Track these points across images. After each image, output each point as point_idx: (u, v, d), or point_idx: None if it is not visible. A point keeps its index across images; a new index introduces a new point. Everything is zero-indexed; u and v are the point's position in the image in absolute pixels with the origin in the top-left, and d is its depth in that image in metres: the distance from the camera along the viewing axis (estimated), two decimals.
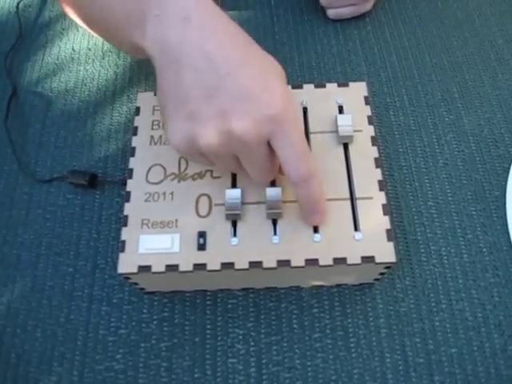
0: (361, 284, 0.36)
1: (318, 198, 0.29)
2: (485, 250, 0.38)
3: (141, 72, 0.47)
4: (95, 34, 0.40)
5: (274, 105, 0.26)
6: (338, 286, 0.37)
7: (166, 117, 0.28)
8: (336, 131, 0.34)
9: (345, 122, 0.34)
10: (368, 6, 0.48)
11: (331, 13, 0.48)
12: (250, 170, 0.29)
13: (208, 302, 0.37)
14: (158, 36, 0.28)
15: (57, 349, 0.35)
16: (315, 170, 0.28)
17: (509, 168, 0.41)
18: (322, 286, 0.37)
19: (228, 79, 0.26)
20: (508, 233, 0.38)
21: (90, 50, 0.49)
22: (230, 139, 0.26)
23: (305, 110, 0.35)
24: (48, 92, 0.46)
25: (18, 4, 0.52)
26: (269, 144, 0.28)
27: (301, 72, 0.46)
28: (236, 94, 0.26)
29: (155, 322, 0.36)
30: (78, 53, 0.49)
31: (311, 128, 0.35)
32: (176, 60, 0.27)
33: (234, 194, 0.31)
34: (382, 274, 0.34)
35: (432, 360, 0.34)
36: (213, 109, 0.26)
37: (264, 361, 0.34)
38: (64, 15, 0.51)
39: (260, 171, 0.29)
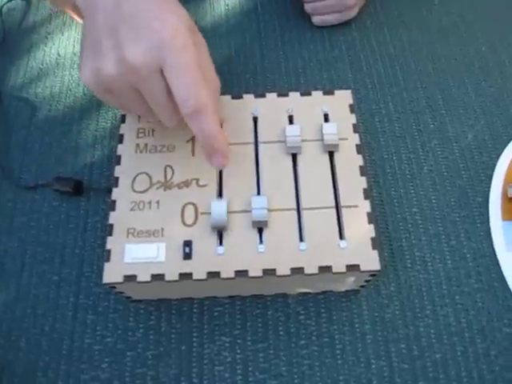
0: (347, 291, 0.37)
1: (213, 133, 0.30)
2: (468, 255, 0.38)
3: None
4: None
5: (162, 31, 0.27)
6: (324, 292, 0.37)
7: (80, 58, 0.30)
8: (322, 139, 0.34)
9: (330, 131, 0.34)
10: (352, 13, 0.48)
11: (316, 19, 0.49)
12: (152, 105, 0.30)
13: (194, 310, 0.36)
14: None
15: (41, 359, 0.35)
16: (208, 103, 0.29)
17: (491, 175, 0.41)
18: (308, 293, 0.37)
19: (128, 13, 0.28)
20: (491, 239, 0.39)
21: (75, 54, 0.48)
22: (125, 68, 0.28)
23: (290, 118, 0.36)
24: (33, 97, 0.46)
25: (1, 7, 0.51)
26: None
27: (287, 78, 0.47)
28: (132, 25, 0.28)
29: (141, 331, 0.36)
30: (63, 57, 0.48)
31: None
32: (93, 4, 0.30)
33: (219, 208, 0.31)
34: (367, 281, 0.34)
35: (417, 365, 0.35)
36: (112, 40, 0.28)
37: (250, 368, 0.34)
38: (49, 19, 0.51)
39: (161, 107, 0.30)
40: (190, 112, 0.29)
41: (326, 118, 0.36)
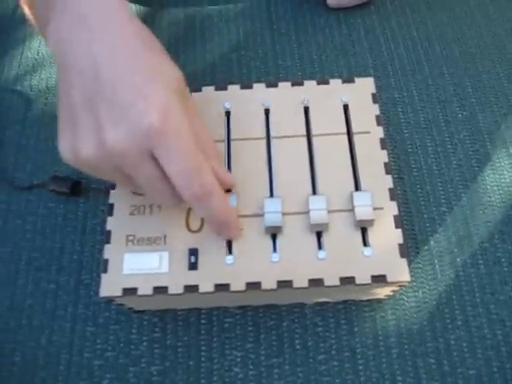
0: (369, 300, 0.33)
1: (222, 216, 0.26)
2: (503, 259, 0.35)
3: None
4: None
5: (149, 114, 0.23)
6: (345, 302, 0.34)
7: (58, 127, 0.26)
8: (342, 133, 0.31)
9: (363, 202, 0.28)
10: None
11: (331, 1, 0.45)
12: (145, 189, 0.26)
13: (203, 321, 0.33)
14: (55, 35, 0.26)
15: (37, 374, 0.32)
16: (212, 186, 0.25)
17: None
18: (327, 303, 0.33)
19: (108, 85, 0.24)
20: None
21: None
22: (106, 152, 0.24)
23: (306, 110, 0.32)
24: (28, 90, 0.43)
25: None
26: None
27: (301, 65, 0.43)
28: (113, 102, 0.24)
29: (145, 344, 0.33)
30: None
31: (313, 130, 0.31)
32: (65, 61, 0.25)
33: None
34: (393, 290, 0.30)
35: (448, 383, 0.31)
36: (90, 118, 0.24)
37: None
38: None
39: (157, 192, 0.26)
40: (193, 200, 0.25)
41: (346, 109, 0.32)
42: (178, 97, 0.25)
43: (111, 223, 0.29)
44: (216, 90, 0.33)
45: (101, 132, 0.24)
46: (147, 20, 0.45)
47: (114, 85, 0.24)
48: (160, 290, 0.27)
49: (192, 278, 0.27)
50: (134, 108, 0.23)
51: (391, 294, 0.32)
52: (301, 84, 0.33)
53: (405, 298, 0.34)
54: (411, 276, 0.34)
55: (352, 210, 0.28)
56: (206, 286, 0.27)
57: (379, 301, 0.33)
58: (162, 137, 0.23)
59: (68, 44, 0.25)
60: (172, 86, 0.25)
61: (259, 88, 0.33)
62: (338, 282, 0.27)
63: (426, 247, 0.35)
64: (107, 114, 0.24)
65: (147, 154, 0.24)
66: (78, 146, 0.24)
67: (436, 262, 0.35)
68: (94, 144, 0.24)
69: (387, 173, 0.30)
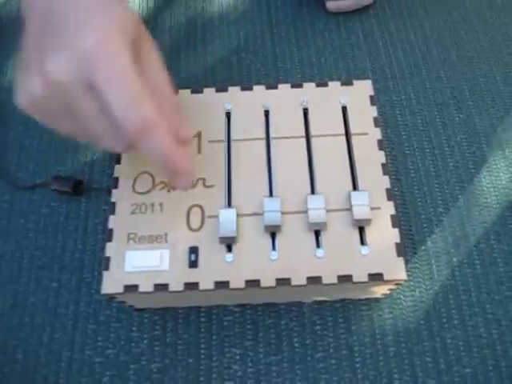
0: (367, 298, 0.34)
1: (166, 153, 0.24)
2: (499, 260, 0.35)
3: None
4: None
5: (86, 39, 0.23)
6: (343, 300, 0.34)
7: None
8: (340, 134, 0.31)
9: (360, 201, 0.29)
10: None
11: (331, 5, 0.45)
12: (91, 127, 0.25)
13: (202, 319, 0.34)
14: None
15: (39, 371, 0.33)
16: (154, 117, 0.24)
17: None
18: (324, 301, 0.34)
19: (59, 16, 0.24)
20: None
21: None
22: (50, 85, 0.23)
23: (305, 111, 0.33)
24: None
25: None
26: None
27: (300, 68, 0.43)
28: (58, 30, 0.23)
29: (145, 341, 0.33)
30: None
31: (312, 131, 0.32)
32: (29, 5, 0.25)
33: (227, 216, 0.28)
34: (390, 289, 0.31)
35: (444, 381, 0.32)
36: (38, 53, 0.24)
37: (263, 383, 0.32)
38: None
39: (101, 130, 0.25)
40: (134, 131, 0.23)
41: (345, 111, 0.33)
42: (121, 28, 0.24)
43: (113, 222, 0.30)
44: (217, 91, 0.33)
45: (44, 65, 0.23)
46: (150, 23, 0.46)
47: (64, 14, 0.23)
48: (161, 287, 0.28)
49: (192, 275, 0.28)
50: (73, 33, 0.23)
51: (388, 292, 0.32)
52: (300, 86, 0.34)
53: (402, 297, 0.34)
54: (408, 275, 0.34)
55: (350, 209, 0.29)
56: (206, 284, 0.28)
57: (376, 300, 0.34)
58: (99, 61, 0.23)
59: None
60: (117, 18, 0.24)
61: (259, 90, 0.34)
62: (335, 280, 0.27)
63: (423, 247, 0.36)
64: (51, 43, 0.23)
65: (86, 83, 0.23)
66: (29, 89, 0.24)
67: (433, 261, 0.35)
68: (40, 80, 0.23)
69: (384, 173, 0.30)
